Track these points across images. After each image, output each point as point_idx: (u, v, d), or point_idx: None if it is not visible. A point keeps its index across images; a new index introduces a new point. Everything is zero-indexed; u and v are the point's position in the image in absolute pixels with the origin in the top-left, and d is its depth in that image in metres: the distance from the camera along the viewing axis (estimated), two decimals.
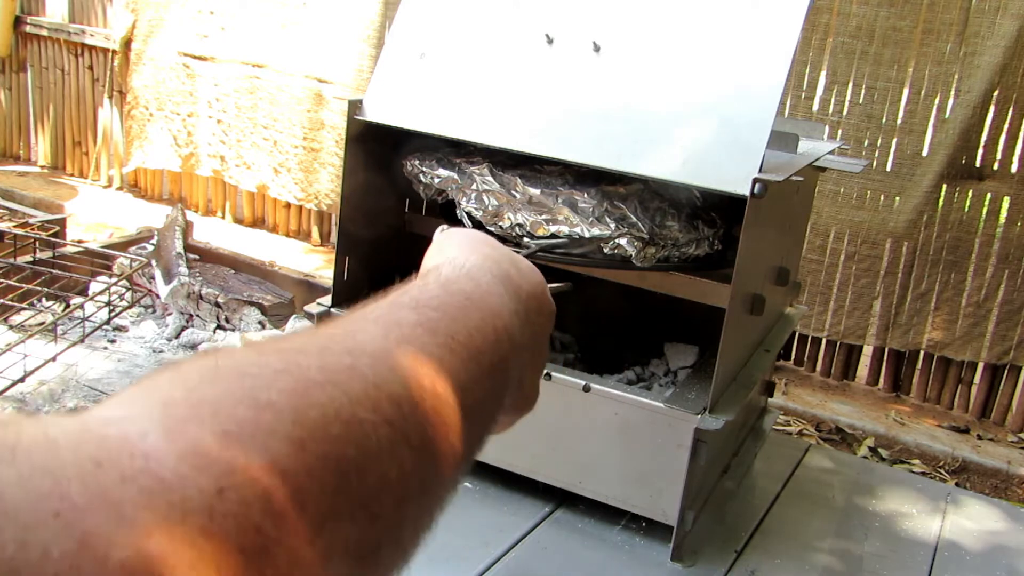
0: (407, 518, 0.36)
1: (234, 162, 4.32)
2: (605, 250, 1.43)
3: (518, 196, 1.45)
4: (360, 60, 3.88)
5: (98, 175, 4.84)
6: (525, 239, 1.47)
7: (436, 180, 1.52)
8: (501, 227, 1.48)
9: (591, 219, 1.41)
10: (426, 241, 0.72)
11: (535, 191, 1.43)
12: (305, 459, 0.29)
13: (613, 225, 1.40)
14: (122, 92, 4.61)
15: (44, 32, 4.79)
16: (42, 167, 5.01)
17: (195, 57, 4.31)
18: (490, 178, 1.47)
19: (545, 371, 1.42)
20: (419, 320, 0.45)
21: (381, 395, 0.36)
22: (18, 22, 4.85)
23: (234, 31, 4.19)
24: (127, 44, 4.49)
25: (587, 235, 1.42)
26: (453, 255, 0.59)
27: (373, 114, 1.50)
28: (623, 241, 1.41)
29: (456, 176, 1.50)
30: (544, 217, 1.43)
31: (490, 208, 1.48)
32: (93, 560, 0.23)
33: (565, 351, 1.85)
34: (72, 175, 4.93)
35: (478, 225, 1.52)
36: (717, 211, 1.48)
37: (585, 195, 1.41)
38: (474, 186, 1.48)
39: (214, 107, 4.31)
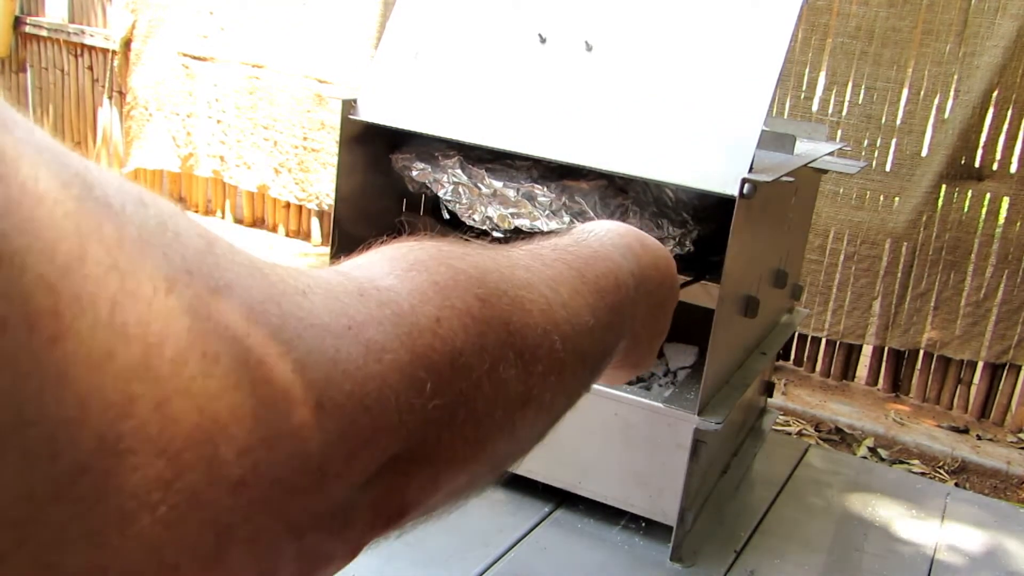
0: (548, 388, 0.47)
1: (234, 162, 4.32)
2: None
3: (483, 189, 1.46)
4: (360, 60, 3.88)
5: None
6: (495, 232, 1.48)
7: (415, 173, 1.52)
8: (474, 220, 1.48)
9: (548, 212, 1.41)
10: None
11: (498, 184, 1.44)
12: (486, 312, 0.42)
13: (568, 219, 1.40)
14: (122, 92, 4.61)
15: (44, 32, 4.79)
16: None
17: (195, 57, 4.31)
18: (459, 171, 1.47)
19: None
20: (557, 256, 0.56)
21: (534, 291, 0.47)
22: (18, 22, 4.85)
23: (234, 31, 4.19)
24: (127, 44, 4.49)
25: (545, 229, 1.42)
26: (579, 228, 0.72)
27: (367, 113, 1.50)
28: None
29: (431, 169, 1.50)
30: (511, 211, 1.44)
31: (464, 201, 1.48)
32: (376, 361, 0.33)
33: None
34: None
35: (454, 218, 1.52)
36: (694, 212, 1.48)
37: (545, 189, 1.42)
38: (445, 179, 1.49)
39: (213, 107, 4.31)
